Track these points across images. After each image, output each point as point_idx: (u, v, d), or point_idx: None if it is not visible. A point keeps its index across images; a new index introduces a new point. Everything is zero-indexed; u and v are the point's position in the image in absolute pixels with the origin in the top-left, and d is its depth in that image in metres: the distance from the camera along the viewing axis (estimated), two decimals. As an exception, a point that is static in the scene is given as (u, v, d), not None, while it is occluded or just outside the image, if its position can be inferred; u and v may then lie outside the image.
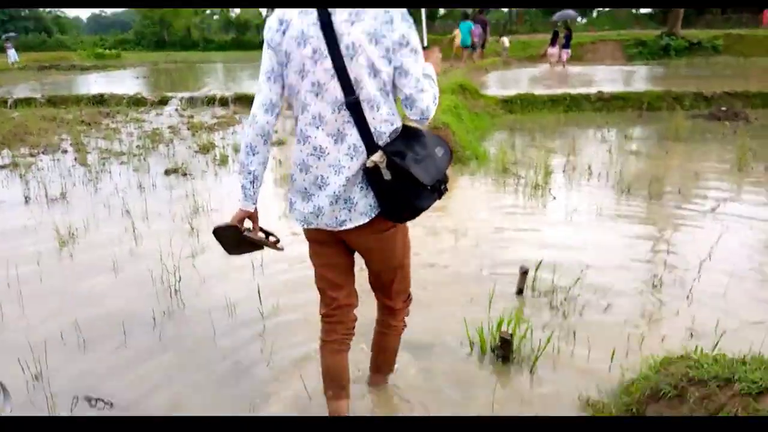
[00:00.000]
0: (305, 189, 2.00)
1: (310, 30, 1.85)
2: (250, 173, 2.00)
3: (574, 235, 4.54)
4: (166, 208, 5.44)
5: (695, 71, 18.11)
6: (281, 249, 2.16)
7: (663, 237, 4.50)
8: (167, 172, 6.87)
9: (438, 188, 1.94)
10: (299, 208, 2.04)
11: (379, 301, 2.33)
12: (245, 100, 12.35)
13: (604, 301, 3.39)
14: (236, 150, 8.10)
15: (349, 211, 1.96)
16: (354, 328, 2.26)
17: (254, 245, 2.12)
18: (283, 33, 1.89)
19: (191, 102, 12.66)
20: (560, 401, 2.51)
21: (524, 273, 3.44)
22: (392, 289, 2.25)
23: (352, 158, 1.91)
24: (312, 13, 1.85)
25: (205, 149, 8.14)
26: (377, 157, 1.86)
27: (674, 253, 3.96)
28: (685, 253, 4.05)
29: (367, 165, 1.88)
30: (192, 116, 11.28)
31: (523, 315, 3.21)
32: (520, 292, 3.47)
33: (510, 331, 2.78)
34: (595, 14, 46.88)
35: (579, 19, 28.75)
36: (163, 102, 12.72)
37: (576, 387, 2.57)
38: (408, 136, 1.96)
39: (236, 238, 2.08)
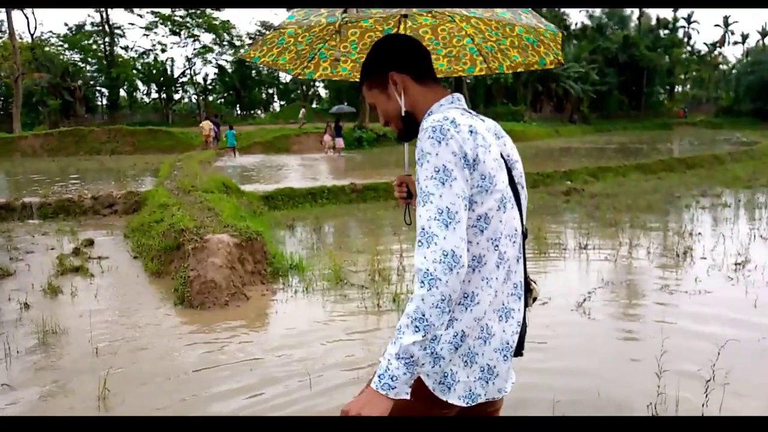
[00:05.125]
0: (470, 348, 1.46)
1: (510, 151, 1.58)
2: (434, 340, 1.42)
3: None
4: None
5: (385, 158, 20.15)
6: None
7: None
8: None
9: None
10: (463, 379, 1.46)
11: None
12: None
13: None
14: None
15: (510, 368, 1.55)
16: None
17: None
18: (486, 149, 1.42)
19: None
20: None
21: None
22: None
23: (519, 299, 1.54)
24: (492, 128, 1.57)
25: None
26: (537, 288, 1.63)
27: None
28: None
29: (537, 299, 1.64)
30: None
31: None
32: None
33: None
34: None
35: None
36: None
37: None
38: None
39: None
